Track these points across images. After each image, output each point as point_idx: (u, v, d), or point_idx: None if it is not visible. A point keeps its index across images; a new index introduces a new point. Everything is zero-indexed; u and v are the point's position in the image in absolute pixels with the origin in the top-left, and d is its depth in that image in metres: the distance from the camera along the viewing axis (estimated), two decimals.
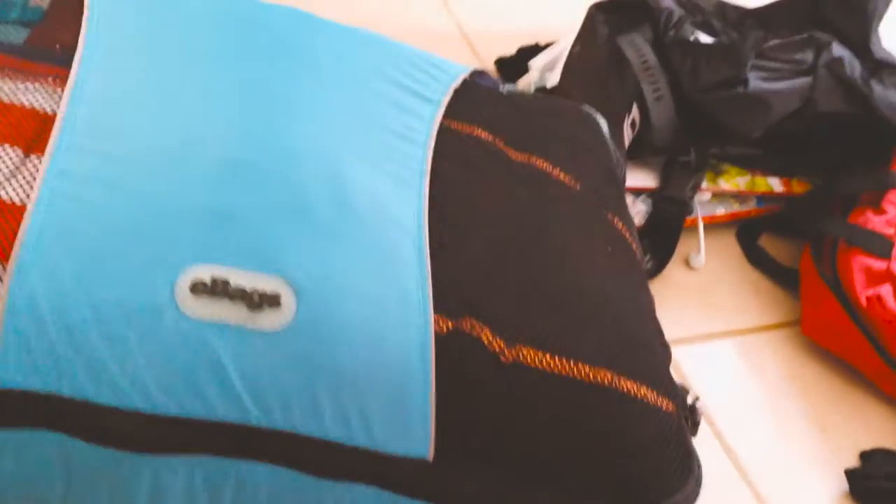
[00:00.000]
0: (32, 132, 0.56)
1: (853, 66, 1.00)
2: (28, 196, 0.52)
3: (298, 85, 0.65)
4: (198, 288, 0.51)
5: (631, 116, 0.92)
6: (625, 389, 0.58)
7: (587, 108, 0.81)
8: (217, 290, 0.51)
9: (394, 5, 1.31)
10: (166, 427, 0.50)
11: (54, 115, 0.58)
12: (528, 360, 0.56)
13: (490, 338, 0.56)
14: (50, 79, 0.61)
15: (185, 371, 0.50)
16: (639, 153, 0.96)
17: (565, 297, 0.61)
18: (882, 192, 1.04)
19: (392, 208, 0.60)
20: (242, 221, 0.54)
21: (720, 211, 1.06)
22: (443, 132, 0.68)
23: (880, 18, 1.29)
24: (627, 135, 0.92)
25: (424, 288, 0.56)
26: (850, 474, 0.87)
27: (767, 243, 1.08)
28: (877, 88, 1.02)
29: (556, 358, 0.57)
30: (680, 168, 0.96)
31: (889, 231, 0.99)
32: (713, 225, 1.06)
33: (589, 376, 0.57)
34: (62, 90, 0.59)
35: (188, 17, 0.67)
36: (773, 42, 1.07)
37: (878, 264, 0.96)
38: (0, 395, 0.48)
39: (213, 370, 0.51)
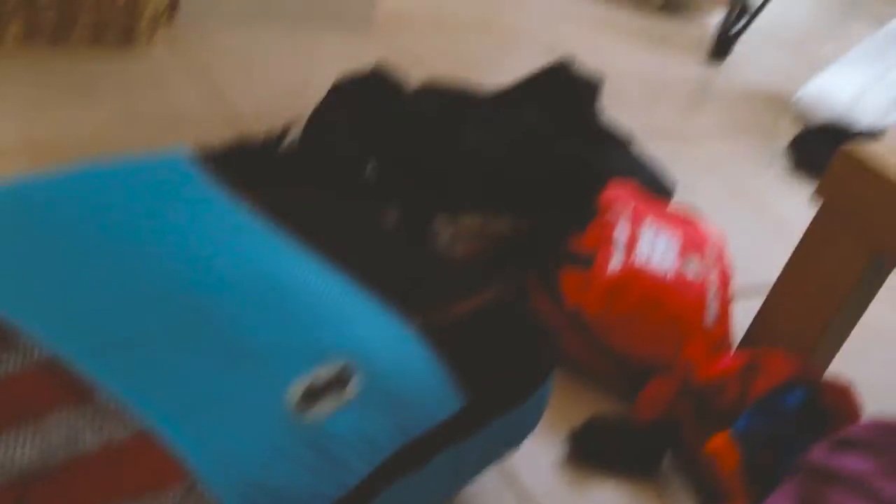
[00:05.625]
0: (52, 386, 0.60)
1: (546, 128, 1.25)
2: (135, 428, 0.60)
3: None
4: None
5: (369, 169, 1.12)
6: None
7: None
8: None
9: (167, 98, 1.48)
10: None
11: (45, 364, 0.62)
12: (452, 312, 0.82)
13: (435, 314, 0.79)
14: None
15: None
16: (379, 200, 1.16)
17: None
18: (587, 222, 1.28)
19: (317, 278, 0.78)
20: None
21: (461, 246, 1.26)
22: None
23: (595, 99, 1.59)
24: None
25: (389, 310, 0.76)
26: (571, 437, 1.06)
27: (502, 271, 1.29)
28: (569, 142, 1.27)
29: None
30: (411, 213, 1.16)
31: (590, 249, 1.22)
32: None
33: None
34: (16, 342, 0.63)
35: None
36: (486, 111, 1.31)
37: (582, 274, 1.18)
38: None
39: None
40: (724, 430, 1.03)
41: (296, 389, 0.66)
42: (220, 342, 0.67)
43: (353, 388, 0.68)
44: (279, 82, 1.63)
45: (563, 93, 1.54)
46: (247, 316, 0.70)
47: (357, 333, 0.72)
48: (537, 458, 1.03)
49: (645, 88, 2.17)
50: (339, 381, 0.68)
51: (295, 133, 1.19)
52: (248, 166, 0.94)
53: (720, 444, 1.01)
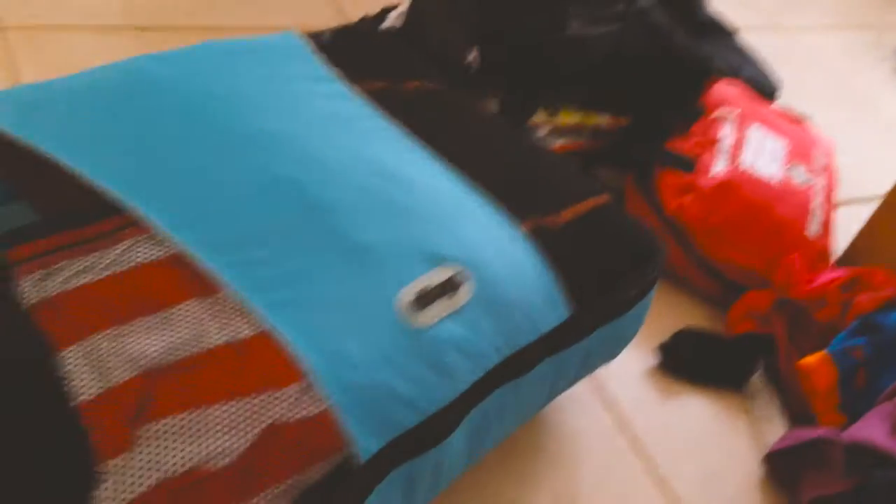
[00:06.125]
0: (180, 279, 0.60)
1: (657, 14, 1.18)
2: (257, 327, 0.59)
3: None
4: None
5: (471, 57, 1.08)
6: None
7: None
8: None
9: None
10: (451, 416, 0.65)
11: (174, 256, 0.61)
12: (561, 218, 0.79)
13: (545, 219, 0.77)
14: (127, 230, 0.62)
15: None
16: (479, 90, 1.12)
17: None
18: (690, 122, 1.23)
19: (430, 176, 0.75)
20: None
21: (558, 143, 1.23)
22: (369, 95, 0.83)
23: None
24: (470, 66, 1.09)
25: (501, 213, 0.74)
26: (661, 348, 1.05)
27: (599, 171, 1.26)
28: (680, 33, 1.20)
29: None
30: (512, 104, 1.12)
31: (693, 151, 1.18)
32: None
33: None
34: (148, 232, 0.62)
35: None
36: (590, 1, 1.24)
37: (683, 177, 1.15)
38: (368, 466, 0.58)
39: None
40: (820, 346, 1.01)
41: (408, 293, 0.65)
42: (334, 240, 0.66)
43: (464, 295, 0.68)
44: None
45: None
46: (361, 213, 0.68)
47: (470, 238, 0.71)
48: (627, 368, 1.02)
49: None
50: (450, 287, 0.67)
51: (396, 18, 1.16)
52: (352, 52, 0.91)
53: (816, 361, 0.99)
